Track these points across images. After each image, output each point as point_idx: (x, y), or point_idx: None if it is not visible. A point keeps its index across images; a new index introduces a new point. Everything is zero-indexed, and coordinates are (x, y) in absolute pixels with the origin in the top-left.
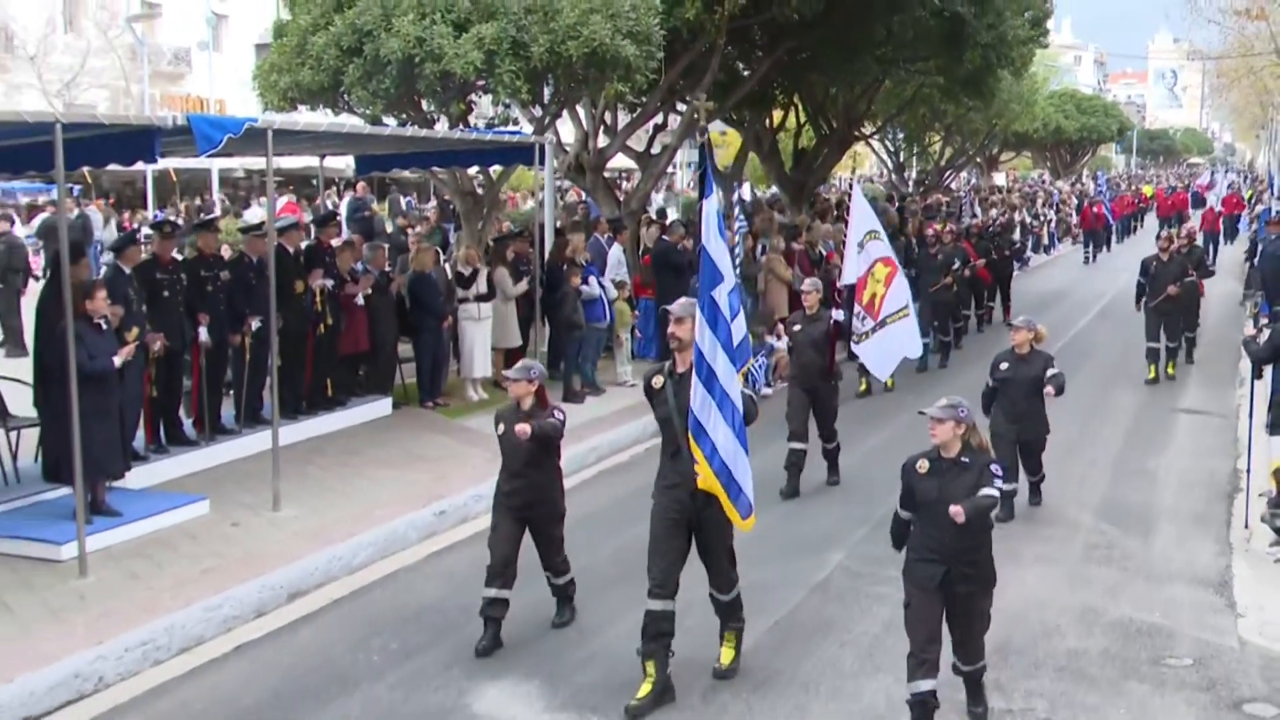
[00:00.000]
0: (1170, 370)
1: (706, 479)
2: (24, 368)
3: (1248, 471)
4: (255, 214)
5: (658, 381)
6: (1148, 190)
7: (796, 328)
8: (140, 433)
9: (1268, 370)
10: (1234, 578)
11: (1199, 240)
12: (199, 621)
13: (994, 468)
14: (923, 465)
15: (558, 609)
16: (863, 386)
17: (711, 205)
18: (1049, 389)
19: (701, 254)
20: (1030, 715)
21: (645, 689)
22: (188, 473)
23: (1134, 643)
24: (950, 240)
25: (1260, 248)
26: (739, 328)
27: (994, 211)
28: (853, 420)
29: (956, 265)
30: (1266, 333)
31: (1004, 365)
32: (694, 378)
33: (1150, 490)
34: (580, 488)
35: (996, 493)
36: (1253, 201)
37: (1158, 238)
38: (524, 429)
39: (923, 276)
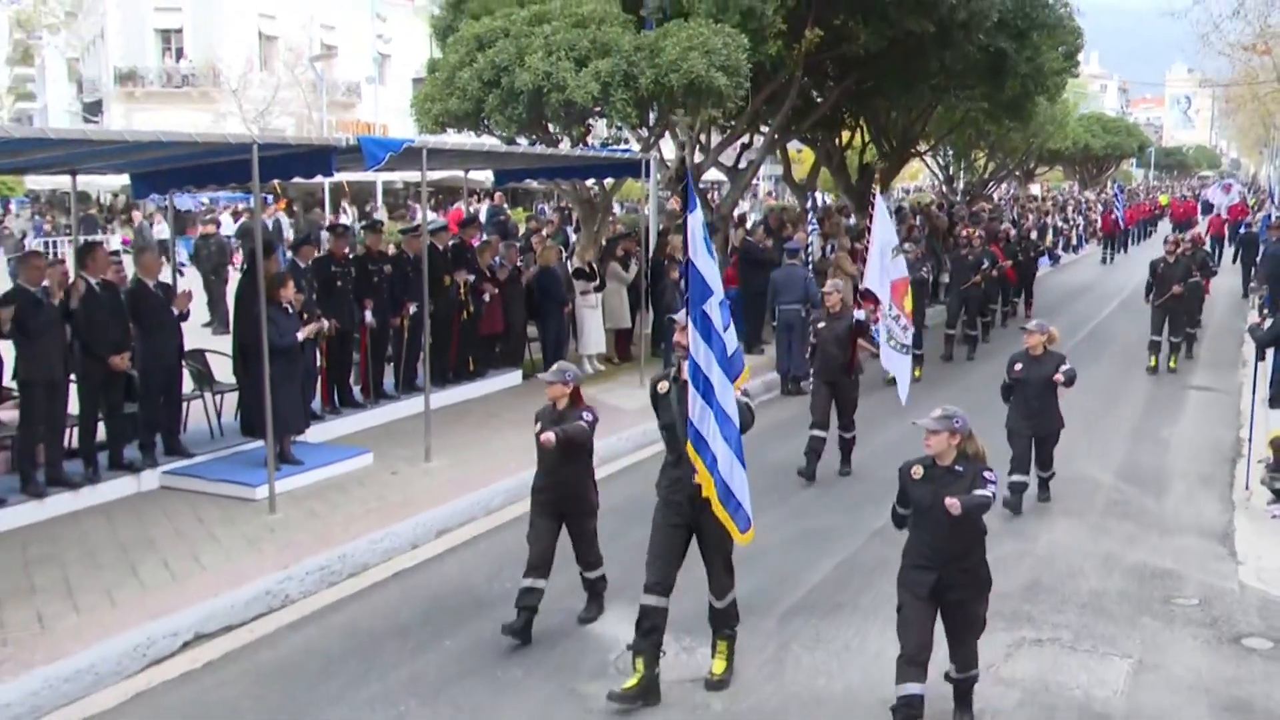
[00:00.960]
0: (1172, 364)
1: (709, 489)
2: (226, 343)
3: (1249, 440)
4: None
5: (663, 387)
6: (1163, 199)
7: (821, 324)
8: (317, 397)
9: (1269, 353)
10: (1235, 531)
11: (1206, 244)
12: (365, 552)
13: (987, 474)
14: (917, 471)
15: (587, 604)
16: (916, 373)
17: (696, 220)
18: (1058, 376)
19: (689, 268)
20: (1057, 643)
21: (631, 682)
22: (356, 430)
23: (1147, 584)
24: (980, 244)
25: (1262, 249)
26: (731, 339)
27: (1030, 218)
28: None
29: (985, 265)
30: (1269, 321)
31: (1018, 366)
32: (691, 390)
33: (1163, 455)
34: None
35: (990, 495)
36: (1255, 209)
37: (1165, 240)
38: (548, 439)
39: (956, 275)
